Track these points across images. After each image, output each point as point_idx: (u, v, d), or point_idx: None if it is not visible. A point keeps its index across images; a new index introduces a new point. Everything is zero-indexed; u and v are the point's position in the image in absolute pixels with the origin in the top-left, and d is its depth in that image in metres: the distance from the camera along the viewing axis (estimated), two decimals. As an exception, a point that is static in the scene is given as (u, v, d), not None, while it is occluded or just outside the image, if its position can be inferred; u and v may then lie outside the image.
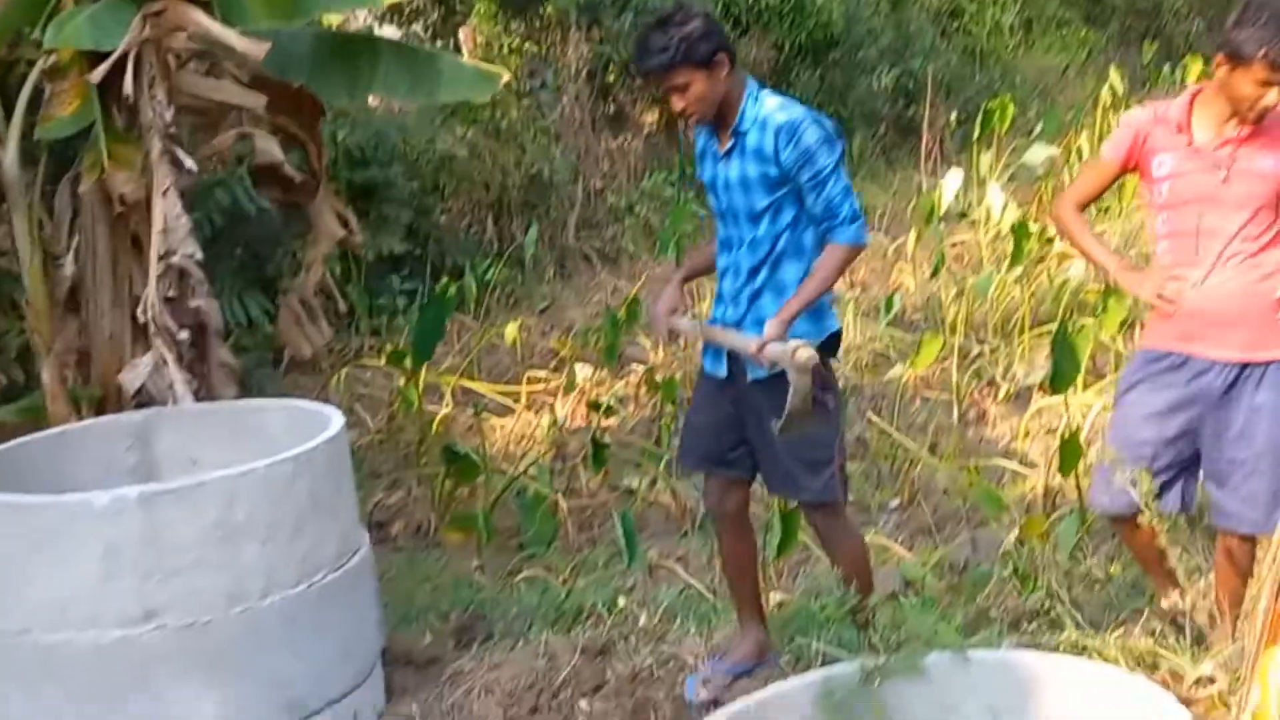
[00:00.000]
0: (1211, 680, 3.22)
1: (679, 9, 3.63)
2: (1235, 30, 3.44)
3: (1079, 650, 3.34)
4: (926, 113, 13.09)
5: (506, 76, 5.11)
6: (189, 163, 4.18)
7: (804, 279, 3.63)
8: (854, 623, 3.83)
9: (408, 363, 7.17)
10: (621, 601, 4.48)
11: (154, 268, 4.15)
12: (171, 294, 4.21)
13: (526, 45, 13.20)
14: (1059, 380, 4.84)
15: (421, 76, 4.82)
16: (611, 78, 13.44)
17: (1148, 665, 3.37)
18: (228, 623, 3.33)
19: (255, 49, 4.01)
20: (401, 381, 7.07)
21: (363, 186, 9.43)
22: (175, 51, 4.30)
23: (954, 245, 9.99)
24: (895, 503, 5.98)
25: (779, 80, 15.10)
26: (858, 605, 3.69)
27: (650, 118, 14.37)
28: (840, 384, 3.83)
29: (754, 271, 3.71)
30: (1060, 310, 7.96)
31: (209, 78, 4.53)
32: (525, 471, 6.11)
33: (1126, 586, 4.18)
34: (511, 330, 8.31)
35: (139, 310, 4.25)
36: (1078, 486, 4.89)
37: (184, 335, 4.23)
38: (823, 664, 3.86)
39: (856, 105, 15.43)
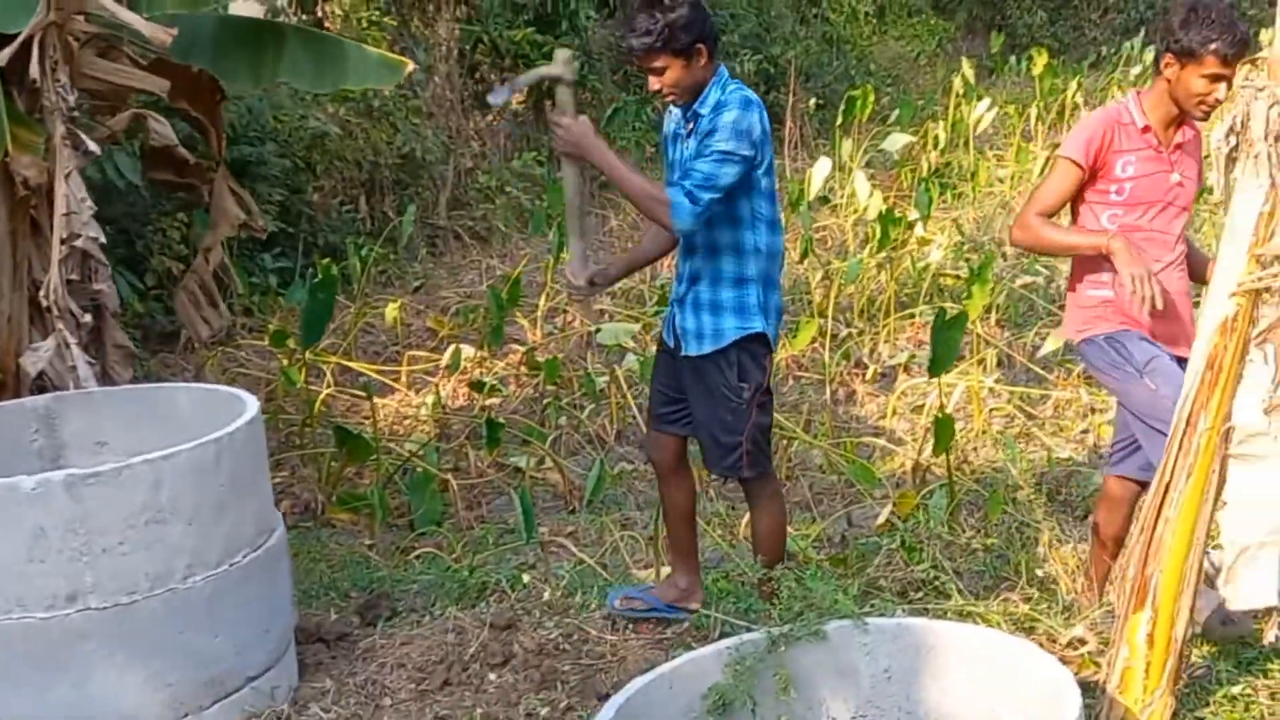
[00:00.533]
0: (1082, 642, 3.52)
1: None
2: (1183, 29, 3.65)
3: (965, 616, 3.62)
4: (792, 96, 13.39)
5: (411, 66, 5.19)
6: (92, 146, 4.18)
7: (739, 273, 3.90)
8: (760, 594, 4.09)
9: (290, 343, 7.22)
10: (526, 578, 4.63)
11: (56, 251, 4.15)
12: (73, 277, 4.21)
13: (385, 20, 13.14)
14: (936, 364, 5.12)
15: (327, 64, 4.87)
16: (480, 56, 13.47)
17: (1025, 629, 3.67)
18: (152, 603, 3.39)
19: (162, 35, 4.03)
20: (284, 361, 7.09)
21: (235, 164, 9.34)
22: (77, 34, 4.29)
23: (818, 230, 10.32)
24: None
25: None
26: (764, 576, 3.94)
27: (518, 98, 14.43)
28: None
29: (691, 252, 3.95)
30: (921, 294, 8.34)
31: (109, 61, 4.52)
32: (416, 452, 6.20)
33: (997, 558, 4.49)
34: (392, 310, 8.36)
35: (41, 294, 4.24)
36: (948, 463, 5.19)
37: (87, 319, 4.24)
38: (721, 634, 4.10)
39: (720, 89, 15.71)
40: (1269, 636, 3.17)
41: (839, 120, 11.69)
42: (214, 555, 3.51)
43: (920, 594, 4.01)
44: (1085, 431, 6.16)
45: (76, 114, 4.18)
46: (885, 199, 9.70)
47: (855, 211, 10.56)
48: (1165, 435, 3.11)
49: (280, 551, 3.82)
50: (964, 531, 4.55)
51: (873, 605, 3.66)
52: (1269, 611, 3.12)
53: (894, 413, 6.75)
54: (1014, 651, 3.00)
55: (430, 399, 7.31)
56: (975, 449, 6.19)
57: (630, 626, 4.25)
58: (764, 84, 16.32)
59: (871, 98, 11.73)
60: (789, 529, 5.45)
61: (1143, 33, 18.76)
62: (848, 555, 4.61)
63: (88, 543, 3.29)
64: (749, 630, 4.00)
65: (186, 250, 8.71)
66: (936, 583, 4.01)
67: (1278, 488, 3.00)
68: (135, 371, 4.74)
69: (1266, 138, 2.77)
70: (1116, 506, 4.11)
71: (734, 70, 15.59)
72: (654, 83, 3.84)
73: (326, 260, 8.16)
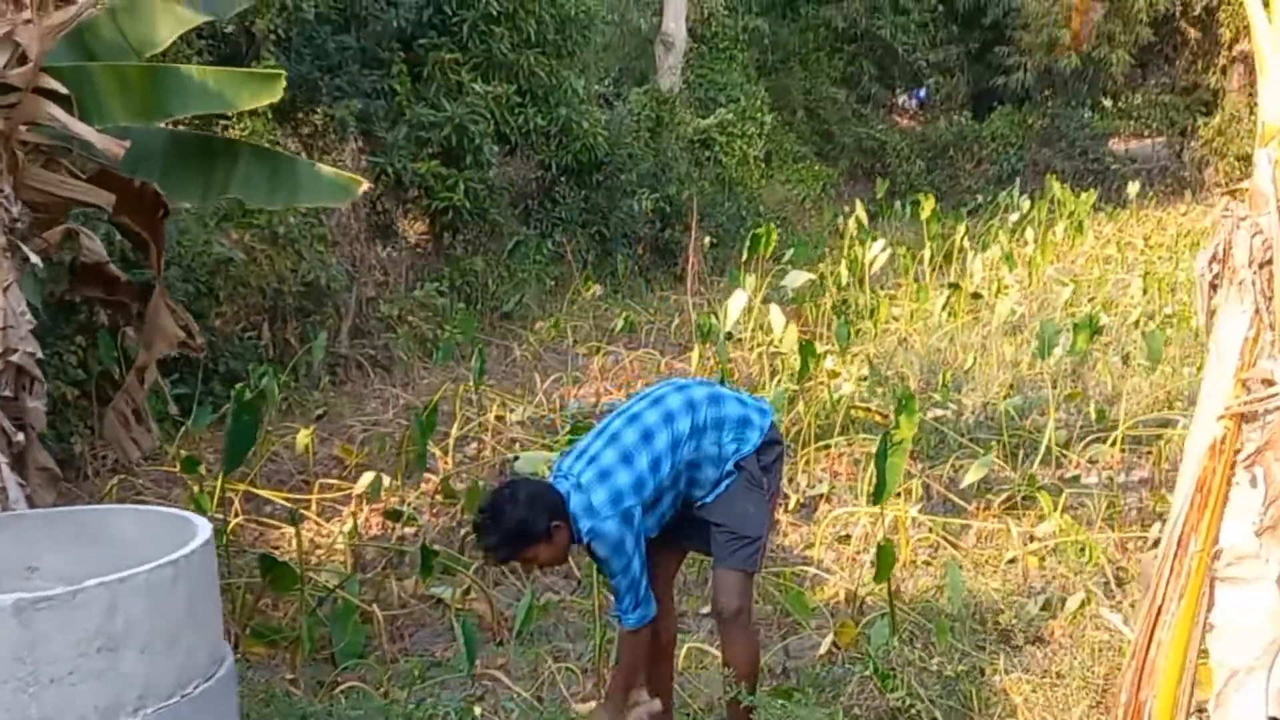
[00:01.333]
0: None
1: (499, 497, 3.96)
2: None
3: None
4: (693, 235, 13.64)
5: (365, 185, 5.14)
6: (34, 258, 4.03)
7: (724, 463, 4.13)
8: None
9: (200, 469, 6.98)
10: (478, 711, 4.46)
11: (-10, 366, 3.96)
12: (7, 393, 4.02)
13: (298, 152, 13.12)
14: (880, 491, 5.15)
15: (280, 181, 4.80)
16: (383, 187, 13.49)
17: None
18: (101, 737, 3.17)
19: (114, 147, 3.93)
20: (194, 488, 6.84)
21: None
22: (24, 144, 4.16)
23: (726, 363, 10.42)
24: (706, 609, 6.16)
25: (545, 198, 15.49)
26: (735, 700, 3.88)
27: (420, 228, 14.46)
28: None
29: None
30: (836, 426, 8.43)
31: (50, 172, 4.38)
32: (340, 584, 5.99)
33: (980, 678, 4.46)
34: (303, 437, 8.16)
35: (-29, 410, 4.04)
36: (889, 591, 5.18)
37: (19, 438, 4.04)
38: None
39: (618, 226, 15.95)
40: (1257, 761, 3.17)
41: (743, 256, 11.89)
42: (166, 686, 3.30)
43: (893, 726, 3.97)
44: (1013, 561, 6.21)
45: (19, 224, 4.04)
46: (802, 332, 9.86)
47: (759, 345, 10.73)
48: None
49: (230, 682, 3.62)
50: (932, 657, 4.51)
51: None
52: (1258, 735, 3.12)
53: (820, 542, 6.74)
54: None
55: (346, 528, 7.10)
56: (906, 579, 6.20)
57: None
58: (660, 221, 16.63)
59: (774, 235, 11.97)
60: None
61: (1017, 182, 19.61)
62: (801, 685, 4.54)
63: (34, 672, 3.06)
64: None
65: (84, 375, 8.45)
66: (911, 711, 3.97)
67: (1265, 610, 3.04)
68: (55, 497, 4.51)
69: (1250, 265, 2.87)
70: None
71: (632, 209, 15.96)
72: (531, 567, 4.06)
73: (241, 385, 7.95)
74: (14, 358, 3.99)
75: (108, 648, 3.14)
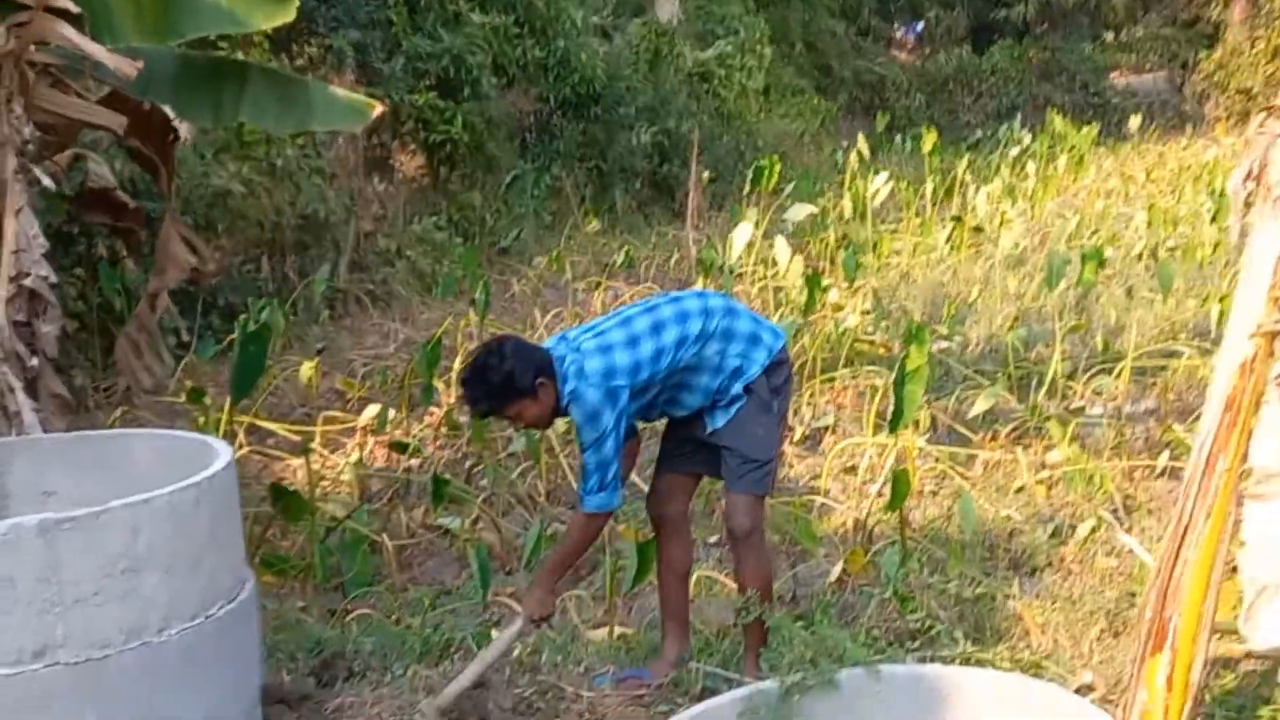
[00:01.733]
0: (1091, 688, 3.50)
1: (487, 351, 3.93)
2: None
3: (972, 664, 3.57)
4: (694, 168, 13.53)
5: (379, 109, 5.06)
6: (47, 181, 3.98)
7: (727, 376, 4.05)
8: (747, 644, 4.03)
9: (206, 400, 6.95)
10: (495, 635, 4.46)
11: (4, 289, 3.91)
12: (20, 318, 3.98)
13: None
14: (898, 419, 5.14)
15: (291, 104, 4.73)
16: (378, 121, 13.33)
17: (1033, 675, 3.64)
18: (125, 658, 3.16)
19: (127, 67, 3.86)
20: (200, 420, 6.82)
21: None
22: (34, 65, 4.08)
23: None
24: (715, 539, 6.17)
25: (543, 132, 15.37)
26: (746, 616, 3.90)
27: (416, 163, 14.34)
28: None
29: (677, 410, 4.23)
30: (840, 359, 8.41)
31: (60, 93, 4.31)
32: (350, 513, 5.99)
33: (986, 609, 4.47)
34: (308, 369, 8.13)
35: (-15, 335, 3.99)
36: (901, 519, 5.19)
37: (33, 363, 4.01)
38: (703, 688, 4.01)
39: (616, 160, 15.83)
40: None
41: (745, 189, 11.81)
42: (189, 608, 3.30)
43: (917, 644, 3.97)
44: (1021, 490, 6.22)
45: (30, 147, 3.97)
46: (808, 265, 9.83)
47: (761, 279, 10.69)
48: None
49: (252, 604, 3.62)
50: (950, 581, 4.52)
51: (879, 654, 3.58)
52: (1285, 651, 3.13)
53: (827, 473, 6.74)
54: (1047, 695, 2.96)
55: (353, 459, 7.09)
56: (913, 508, 6.20)
57: (608, 681, 4.13)
58: (658, 155, 16.51)
59: (778, 168, 11.89)
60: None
61: (1018, 117, 19.49)
62: (813, 611, 4.54)
63: (60, 593, 3.06)
64: (729, 681, 3.92)
65: (84, 307, 8.39)
66: (932, 632, 3.98)
67: (1292, 527, 3.03)
68: (66, 425, 4.48)
69: (1286, 182, 2.83)
70: None
71: (630, 143, 15.83)
72: (517, 424, 4.03)
73: (244, 317, 7.91)
74: (27, 281, 3.94)
75: (131, 569, 3.14)
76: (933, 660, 3.62)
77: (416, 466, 7.40)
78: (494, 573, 6.05)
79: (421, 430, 7.89)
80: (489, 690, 4.02)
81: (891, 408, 5.16)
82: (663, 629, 4.35)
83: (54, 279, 4.05)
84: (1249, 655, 3.41)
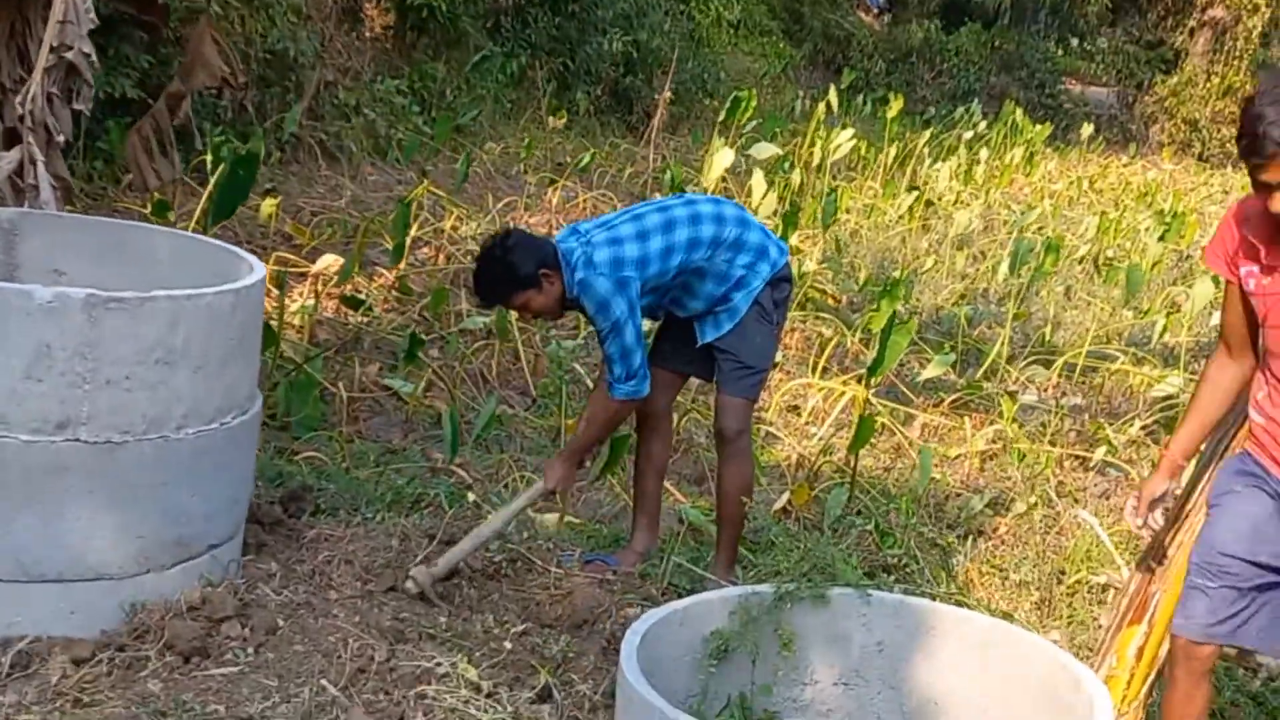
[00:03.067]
0: (1054, 644, 3.67)
1: (492, 242, 3.95)
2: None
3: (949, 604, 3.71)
4: (667, 83, 13.46)
5: None
6: (105, -47, 3.84)
7: (728, 283, 4.10)
8: (721, 546, 4.13)
9: (170, 215, 6.80)
10: (471, 497, 4.51)
11: (44, 59, 3.78)
12: (55, 90, 3.85)
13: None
14: (878, 366, 5.27)
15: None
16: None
17: (1002, 624, 3.79)
18: (143, 447, 3.15)
19: None
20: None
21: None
22: None
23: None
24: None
25: (516, 17, 15.13)
26: (731, 526, 4.01)
27: (386, 21, 14.03)
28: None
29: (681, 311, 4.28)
30: (795, 300, 8.52)
31: None
32: (310, 356, 5.95)
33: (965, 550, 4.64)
34: (268, 205, 8.00)
35: (18, 99, 3.86)
36: (855, 461, 5.33)
37: (60, 137, 3.89)
38: (669, 583, 4.10)
39: (583, 62, 15.65)
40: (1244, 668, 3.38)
41: (720, 117, 11.81)
42: (209, 410, 3.29)
43: (891, 577, 4.11)
44: (958, 458, 6.42)
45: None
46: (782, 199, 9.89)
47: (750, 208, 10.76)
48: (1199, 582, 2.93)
49: (257, 422, 3.61)
50: (926, 523, 4.67)
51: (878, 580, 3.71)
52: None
53: (775, 408, 6.87)
54: (1037, 648, 3.10)
55: (308, 304, 7.01)
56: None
57: (574, 562, 4.20)
58: (624, 65, 16.37)
59: (754, 102, 11.90)
60: (683, 498, 5.54)
61: (976, 101, 19.72)
62: (769, 539, 4.66)
63: (94, 370, 3.03)
64: (702, 581, 4.03)
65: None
66: (908, 569, 4.12)
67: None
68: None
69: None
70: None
71: (600, 47, 15.68)
72: (525, 314, 4.05)
73: (218, 139, 7.72)
74: (69, 55, 3.82)
75: (165, 361, 3.13)
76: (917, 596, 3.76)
77: (365, 324, 7.35)
78: (440, 440, 6.10)
79: (373, 289, 7.84)
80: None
81: (874, 355, 5.27)
82: (634, 522, 4.43)
83: (94, 57, 3.93)
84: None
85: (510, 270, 3.87)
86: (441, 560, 3.81)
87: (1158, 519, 3.18)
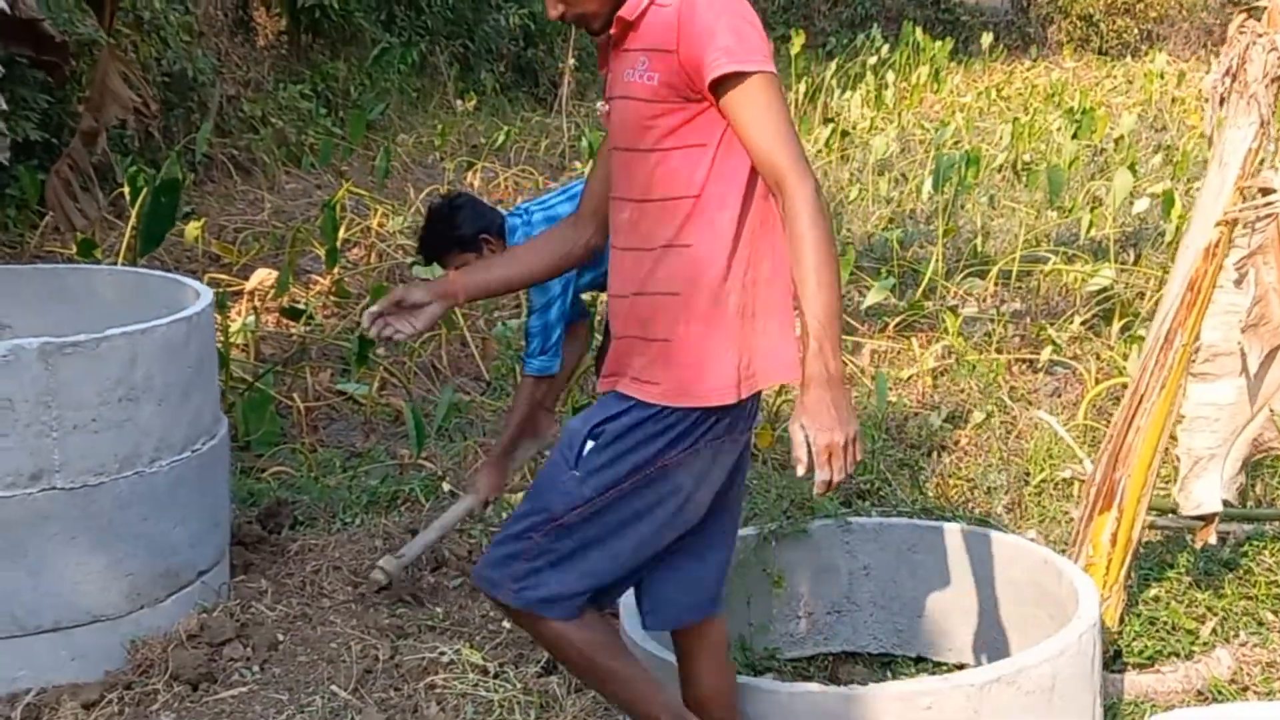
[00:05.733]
0: (1033, 541, 3.78)
1: (440, 201, 4.06)
2: None
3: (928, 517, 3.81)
4: (569, 56, 13.45)
5: None
6: (2, 3, 3.80)
7: None
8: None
9: (97, 253, 6.74)
10: (446, 487, 4.55)
11: (-47, 114, 3.75)
12: (-34, 144, 3.83)
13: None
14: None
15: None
16: (247, -23, 12.89)
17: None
18: (119, 486, 3.16)
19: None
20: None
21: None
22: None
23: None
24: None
25: (409, 6, 15.03)
26: None
27: (277, 27, 13.89)
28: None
29: None
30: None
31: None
32: (262, 374, 5.95)
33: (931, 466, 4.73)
34: (193, 229, 7.94)
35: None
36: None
37: (-18, 190, 3.86)
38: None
39: (483, 41, 15.60)
40: (1208, 539, 3.50)
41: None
42: (179, 440, 3.31)
43: (866, 503, 4.20)
44: (910, 379, 6.53)
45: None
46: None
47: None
48: None
49: (226, 443, 3.63)
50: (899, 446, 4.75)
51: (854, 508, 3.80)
52: (1211, 517, 3.44)
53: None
54: (1012, 546, 3.21)
55: (249, 321, 6.99)
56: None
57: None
58: (523, 39, 16.33)
59: (659, 58, 11.89)
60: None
61: (875, 27, 19.85)
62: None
63: (59, 417, 3.04)
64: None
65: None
66: (881, 493, 4.22)
67: (1229, 403, 3.33)
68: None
69: (1263, 79, 3.07)
70: None
71: (498, 24, 15.62)
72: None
73: (133, 170, 7.64)
74: (-24, 106, 3.79)
75: (128, 398, 3.14)
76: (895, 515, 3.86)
77: (307, 333, 7.34)
78: (401, 437, 6.13)
79: (310, 297, 7.82)
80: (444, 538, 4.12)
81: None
82: None
83: (5, 107, 3.90)
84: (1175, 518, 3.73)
85: (451, 229, 3.93)
86: (406, 549, 3.85)
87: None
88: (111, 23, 4.57)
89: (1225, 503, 3.43)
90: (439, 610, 3.67)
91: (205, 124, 9.52)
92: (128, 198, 7.33)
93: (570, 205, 4.04)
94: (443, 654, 3.37)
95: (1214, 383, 3.34)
